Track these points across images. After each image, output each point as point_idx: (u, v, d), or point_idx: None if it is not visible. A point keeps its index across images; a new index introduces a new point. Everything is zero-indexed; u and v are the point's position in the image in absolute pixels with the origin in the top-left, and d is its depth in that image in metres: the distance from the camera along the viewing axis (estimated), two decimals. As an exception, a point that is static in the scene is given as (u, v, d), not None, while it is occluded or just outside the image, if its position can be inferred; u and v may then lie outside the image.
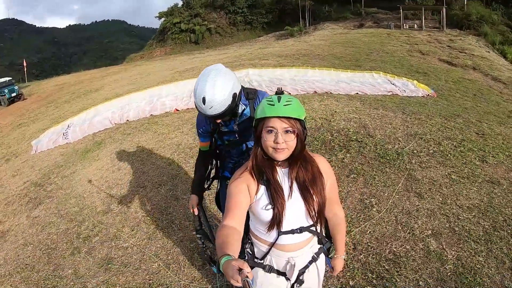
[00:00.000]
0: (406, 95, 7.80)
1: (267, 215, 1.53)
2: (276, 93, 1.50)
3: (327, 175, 1.62)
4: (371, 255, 3.04)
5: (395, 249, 3.05)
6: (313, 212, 1.55)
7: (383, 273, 2.84)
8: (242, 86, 2.16)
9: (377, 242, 3.17)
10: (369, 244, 3.17)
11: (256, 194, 1.55)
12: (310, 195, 1.54)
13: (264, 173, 1.54)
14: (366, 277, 2.83)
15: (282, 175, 1.56)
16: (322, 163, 1.64)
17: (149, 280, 3.16)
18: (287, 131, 1.45)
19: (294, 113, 1.44)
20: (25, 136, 9.62)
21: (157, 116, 7.87)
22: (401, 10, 21.64)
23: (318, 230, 1.67)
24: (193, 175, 2.59)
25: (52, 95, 16.41)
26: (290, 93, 7.99)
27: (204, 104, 1.88)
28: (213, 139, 2.40)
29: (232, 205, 1.49)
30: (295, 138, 1.47)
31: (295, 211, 1.55)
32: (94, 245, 3.84)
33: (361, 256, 3.04)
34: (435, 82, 9.52)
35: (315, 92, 8.09)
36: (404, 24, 21.09)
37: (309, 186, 1.54)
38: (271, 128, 1.45)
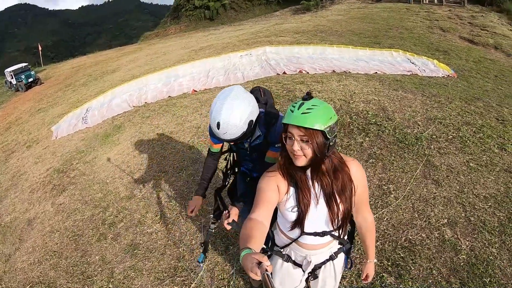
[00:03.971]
0: (426, 75, 7.62)
1: (292, 216, 1.58)
2: (303, 98, 1.46)
3: (358, 180, 1.60)
4: (387, 242, 3.10)
5: (411, 237, 3.10)
6: (337, 220, 1.58)
7: (398, 260, 2.91)
8: (264, 109, 2.12)
9: (393, 229, 3.22)
10: (385, 231, 3.23)
11: (285, 194, 1.57)
12: (336, 203, 1.54)
13: (294, 176, 1.55)
14: (382, 264, 2.91)
15: (310, 180, 1.58)
16: (354, 168, 1.60)
17: (174, 265, 3.31)
18: (303, 140, 1.43)
19: (309, 123, 1.39)
20: (45, 122, 9.76)
21: (174, 97, 7.89)
22: (421, -17, 20.61)
23: (341, 235, 1.71)
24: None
25: (69, 78, 16.57)
26: (308, 72, 7.91)
27: (218, 129, 1.86)
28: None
29: (261, 200, 1.51)
30: (310, 148, 1.44)
31: (320, 216, 1.59)
32: (119, 231, 4.01)
33: (377, 243, 3.10)
34: (455, 61, 9.23)
35: (334, 71, 7.96)
36: (424, -2, 20.16)
37: (337, 194, 1.54)
38: (289, 134, 1.45)
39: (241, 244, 1.30)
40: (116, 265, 3.52)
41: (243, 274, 3.00)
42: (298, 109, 1.41)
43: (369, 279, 1.93)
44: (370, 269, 1.91)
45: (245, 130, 1.89)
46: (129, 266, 3.44)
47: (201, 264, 2.92)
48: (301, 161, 1.48)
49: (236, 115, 1.82)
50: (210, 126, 2.16)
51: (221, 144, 2.40)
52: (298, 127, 1.41)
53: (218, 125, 1.84)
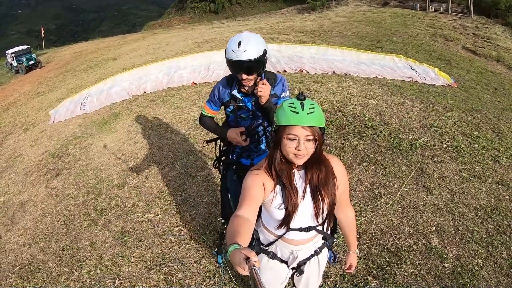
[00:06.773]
0: (426, 83, 7.62)
1: (280, 214, 1.60)
2: (298, 98, 1.48)
3: (340, 176, 1.65)
4: (374, 245, 3.14)
5: (398, 242, 3.13)
6: (322, 214, 1.62)
7: (384, 264, 2.94)
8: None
9: (381, 233, 3.25)
10: (373, 234, 3.25)
11: (271, 192, 1.59)
12: (321, 197, 1.58)
13: (282, 175, 1.57)
14: (367, 267, 2.94)
15: (298, 177, 1.61)
16: (336, 164, 1.65)
17: (162, 255, 3.34)
18: (308, 139, 1.47)
19: (317, 122, 1.45)
20: (43, 105, 9.68)
21: (174, 88, 7.84)
22: (428, -9, 20.68)
23: (325, 230, 1.76)
24: (206, 152, 2.64)
25: (69, 63, 16.44)
26: (308, 72, 7.93)
27: (238, 47, 2.01)
28: (227, 112, 2.43)
29: (247, 197, 1.52)
30: (313, 146, 1.49)
31: (306, 211, 1.62)
32: (110, 218, 4.03)
33: (364, 246, 3.14)
34: (456, 71, 9.25)
35: (334, 72, 7.93)
36: (430, 6, 20.21)
37: (321, 187, 1.58)
38: (294, 136, 1.46)
39: (228, 240, 1.31)
40: (105, 251, 3.54)
41: (230, 268, 3.03)
42: (302, 110, 1.43)
43: (352, 269, 2.00)
44: (353, 259, 1.98)
45: (261, 55, 2.06)
46: (117, 253, 3.46)
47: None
48: (303, 160, 1.52)
49: (254, 39, 2.06)
50: (216, 88, 2.37)
51: (216, 112, 2.51)
52: (304, 128, 1.44)
53: (239, 44, 2.01)
